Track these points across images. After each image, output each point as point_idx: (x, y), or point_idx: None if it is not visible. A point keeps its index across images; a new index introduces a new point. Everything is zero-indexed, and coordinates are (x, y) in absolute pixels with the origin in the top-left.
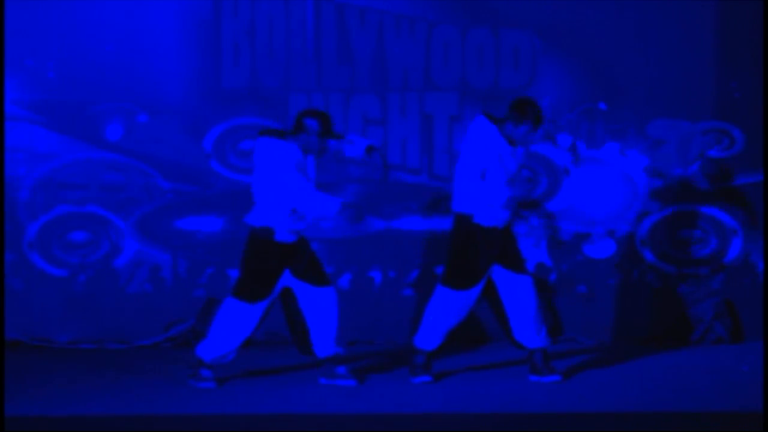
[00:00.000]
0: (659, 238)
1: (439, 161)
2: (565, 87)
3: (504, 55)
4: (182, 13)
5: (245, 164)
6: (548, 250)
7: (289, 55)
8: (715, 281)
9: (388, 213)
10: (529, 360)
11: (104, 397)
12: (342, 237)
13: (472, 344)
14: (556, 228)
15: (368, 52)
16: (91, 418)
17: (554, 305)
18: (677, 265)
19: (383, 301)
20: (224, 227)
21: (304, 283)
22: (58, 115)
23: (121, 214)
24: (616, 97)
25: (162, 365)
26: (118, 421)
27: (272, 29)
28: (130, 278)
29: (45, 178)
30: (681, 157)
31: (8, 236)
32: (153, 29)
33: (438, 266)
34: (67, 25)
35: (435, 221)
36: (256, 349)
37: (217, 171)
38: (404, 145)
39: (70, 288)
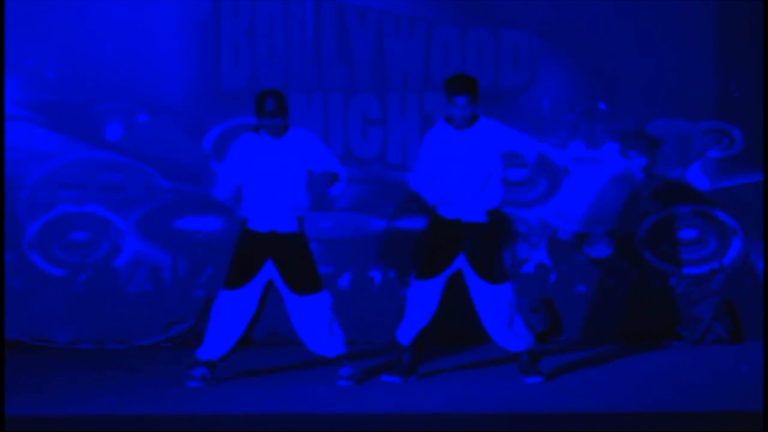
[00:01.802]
0: (659, 238)
1: None
2: (565, 87)
3: (504, 55)
4: (182, 13)
5: None
6: (548, 250)
7: (289, 55)
8: (715, 281)
9: (388, 213)
10: (517, 358)
11: (104, 397)
12: (342, 237)
13: (472, 344)
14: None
15: (368, 52)
16: (91, 418)
17: (554, 306)
18: (677, 265)
19: (383, 301)
20: (224, 227)
21: (287, 289)
22: (58, 114)
23: (121, 214)
24: (616, 97)
25: (162, 365)
26: (118, 421)
27: (272, 29)
28: (130, 278)
29: (45, 178)
30: (681, 157)
31: (8, 236)
32: (153, 29)
33: None
34: (67, 25)
35: None
36: (256, 349)
37: (217, 171)
38: (404, 145)
39: (69, 288)
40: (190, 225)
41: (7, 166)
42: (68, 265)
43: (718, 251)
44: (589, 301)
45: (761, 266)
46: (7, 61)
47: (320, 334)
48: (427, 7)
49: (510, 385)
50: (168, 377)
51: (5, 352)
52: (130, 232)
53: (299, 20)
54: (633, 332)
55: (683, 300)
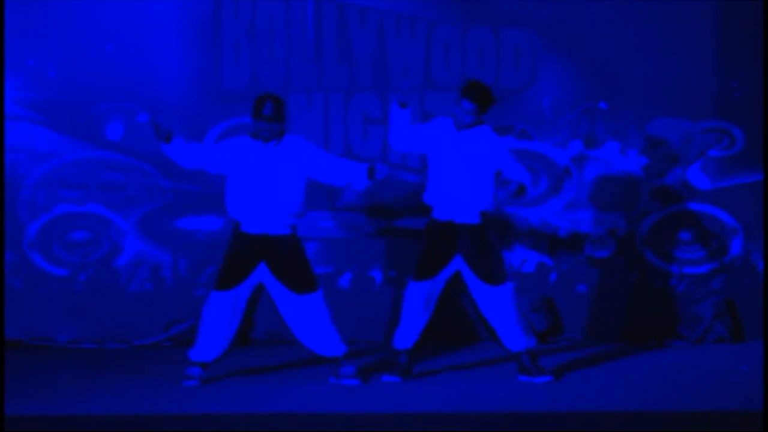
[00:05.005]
0: (660, 238)
1: None
2: (566, 86)
3: (504, 54)
4: (183, 12)
5: None
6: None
7: (290, 55)
8: (716, 281)
9: (389, 212)
10: (517, 360)
11: (104, 397)
12: (342, 237)
13: (472, 344)
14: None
15: (369, 52)
16: (92, 417)
17: (555, 305)
18: (677, 265)
19: (384, 301)
20: (224, 226)
21: (285, 288)
22: (58, 114)
23: (122, 214)
24: (616, 97)
25: (162, 365)
26: (118, 421)
27: (272, 29)
28: (131, 278)
29: (45, 178)
30: (681, 157)
31: (9, 236)
32: (154, 29)
33: None
34: (67, 24)
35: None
36: (256, 349)
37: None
38: None
39: (70, 287)
40: (190, 224)
41: (7, 166)
42: (69, 264)
43: (718, 251)
44: (590, 301)
45: (761, 266)
46: (7, 61)
47: (321, 332)
48: (428, 7)
49: (510, 385)
50: (168, 377)
51: (6, 352)
52: (130, 232)
53: (300, 20)
54: (634, 332)
55: (684, 299)
